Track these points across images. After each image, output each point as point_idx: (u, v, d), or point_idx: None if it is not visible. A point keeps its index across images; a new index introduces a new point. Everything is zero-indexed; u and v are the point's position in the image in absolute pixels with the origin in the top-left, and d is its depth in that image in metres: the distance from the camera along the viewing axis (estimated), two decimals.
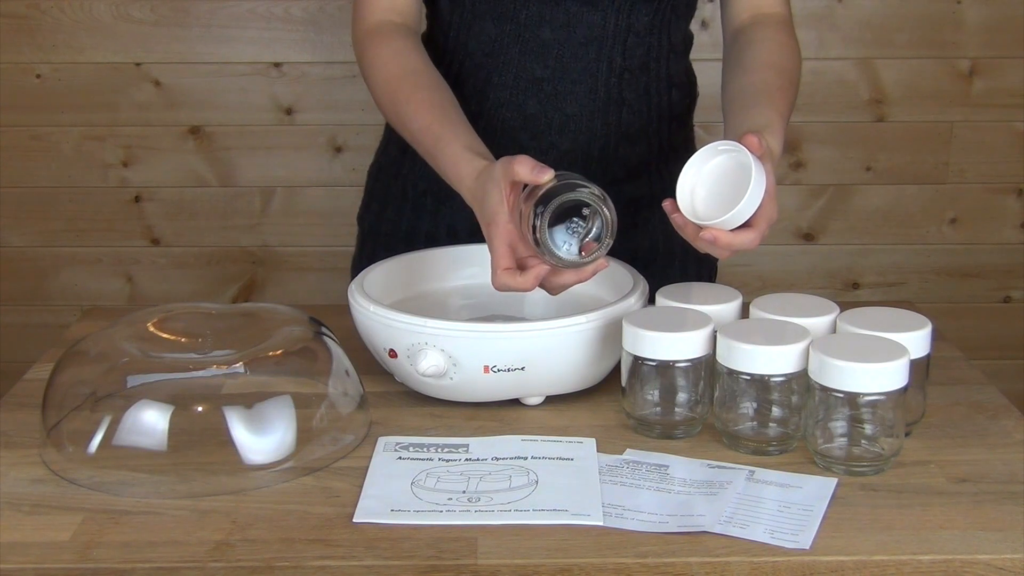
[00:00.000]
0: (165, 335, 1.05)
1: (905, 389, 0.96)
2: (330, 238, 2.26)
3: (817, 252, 2.30)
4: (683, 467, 0.99)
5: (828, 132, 2.23)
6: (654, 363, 1.02)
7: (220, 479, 0.95)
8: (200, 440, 0.97)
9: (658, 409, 1.05)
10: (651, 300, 1.14)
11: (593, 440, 1.03)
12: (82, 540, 0.88)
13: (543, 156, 1.23)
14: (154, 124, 2.20)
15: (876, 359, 0.95)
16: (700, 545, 0.87)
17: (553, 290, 1.06)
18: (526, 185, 1.03)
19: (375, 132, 1.47)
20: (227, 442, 0.96)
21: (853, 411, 0.97)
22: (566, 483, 0.95)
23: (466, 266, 1.26)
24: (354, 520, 0.90)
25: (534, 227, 0.99)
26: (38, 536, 0.89)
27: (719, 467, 0.98)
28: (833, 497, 0.93)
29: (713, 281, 1.40)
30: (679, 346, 1.02)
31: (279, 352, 1.03)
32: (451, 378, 1.06)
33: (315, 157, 2.23)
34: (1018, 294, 2.32)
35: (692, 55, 1.37)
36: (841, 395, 0.95)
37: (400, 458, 1.00)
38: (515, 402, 1.10)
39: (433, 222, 1.37)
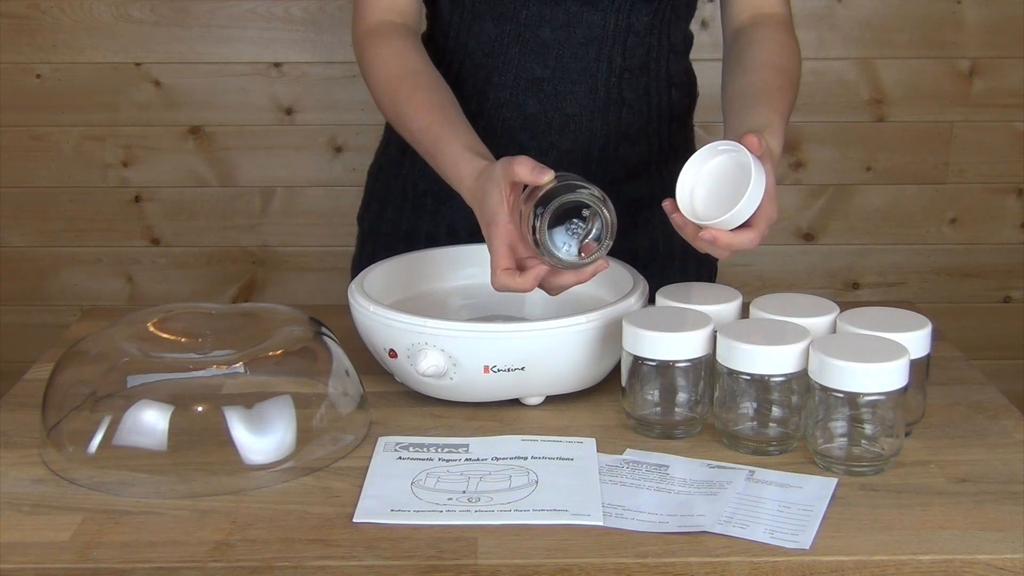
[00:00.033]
0: (165, 335, 1.05)
1: (905, 389, 0.96)
2: (330, 238, 2.26)
3: (817, 252, 2.30)
4: (683, 467, 0.98)
5: (828, 132, 2.23)
6: (654, 363, 1.02)
7: (220, 479, 0.95)
8: (200, 440, 0.97)
9: (658, 409, 1.05)
10: (651, 300, 1.14)
11: (593, 440, 1.03)
12: (82, 540, 0.88)
13: (543, 156, 1.24)
14: (154, 124, 2.20)
15: (876, 359, 0.95)
16: (700, 545, 0.87)
17: (552, 291, 1.06)
18: (526, 186, 1.03)
19: (375, 132, 1.47)
20: (227, 442, 0.96)
21: (853, 411, 0.97)
22: (566, 483, 0.95)
23: (466, 266, 1.26)
24: (354, 520, 0.90)
25: (534, 228, 0.99)
26: (38, 536, 0.89)
27: (719, 467, 0.98)
28: (833, 497, 0.93)
29: (713, 281, 1.40)
30: (679, 346, 1.02)
31: (279, 352, 1.02)
32: (451, 378, 1.06)
33: (315, 157, 2.23)
34: (1018, 294, 2.32)
35: (692, 55, 1.37)
36: (841, 395, 0.95)
37: (400, 458, 1.00)
38: (515, 402, 1.10)
39: (433, 222, 1.37)
